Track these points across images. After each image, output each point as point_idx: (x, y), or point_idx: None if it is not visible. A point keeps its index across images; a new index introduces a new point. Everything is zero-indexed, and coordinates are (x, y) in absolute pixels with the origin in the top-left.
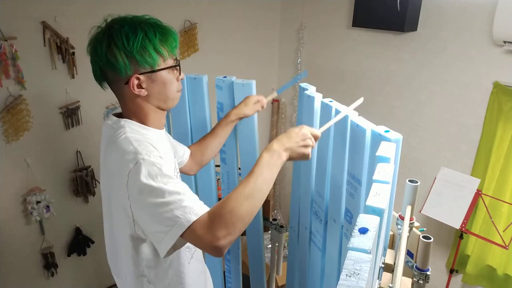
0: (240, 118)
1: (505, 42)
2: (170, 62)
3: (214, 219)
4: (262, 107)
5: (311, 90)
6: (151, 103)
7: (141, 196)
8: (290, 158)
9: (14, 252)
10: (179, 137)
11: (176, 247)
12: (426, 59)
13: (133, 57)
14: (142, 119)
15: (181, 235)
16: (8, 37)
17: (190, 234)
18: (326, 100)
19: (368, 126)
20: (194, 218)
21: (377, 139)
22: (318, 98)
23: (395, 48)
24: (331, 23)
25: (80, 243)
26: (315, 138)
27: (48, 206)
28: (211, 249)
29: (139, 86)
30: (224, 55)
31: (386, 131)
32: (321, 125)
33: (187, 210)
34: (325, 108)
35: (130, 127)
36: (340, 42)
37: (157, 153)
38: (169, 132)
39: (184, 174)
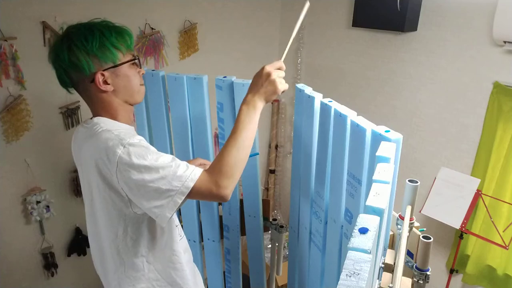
0: None
1: (505, 42)
2: (129, 57)
3: (215, 173)
4: None
5: (307, 91)
6: (119, 97)
7: (135, 176)
8: (266, 100)
9: (14, 252)
10: (179, 137)
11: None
12: (426, 59)
13: (94, 55)
14: (112, 114)
15: (185, 197)
16: (8, 37)
17: (195, 194)
18: (326, 100)
19: (368, 126)
20: (191, 184)
21: (377, 139)
22: (318, 98)
23: (395, 48)
24: (331, 23)
25: (80, 243)
26: (280, 69)
27: (48, 206)
28: (218, 198)
29: (105, 82)
30: (224, 55)
31: (386, 131)
32: (320, 125)
33: (183, 179)
34: (325, 108)
35: (104, 122)
36: (340, 42)
37: (138, 137)
38: (169, 132)
39: None
